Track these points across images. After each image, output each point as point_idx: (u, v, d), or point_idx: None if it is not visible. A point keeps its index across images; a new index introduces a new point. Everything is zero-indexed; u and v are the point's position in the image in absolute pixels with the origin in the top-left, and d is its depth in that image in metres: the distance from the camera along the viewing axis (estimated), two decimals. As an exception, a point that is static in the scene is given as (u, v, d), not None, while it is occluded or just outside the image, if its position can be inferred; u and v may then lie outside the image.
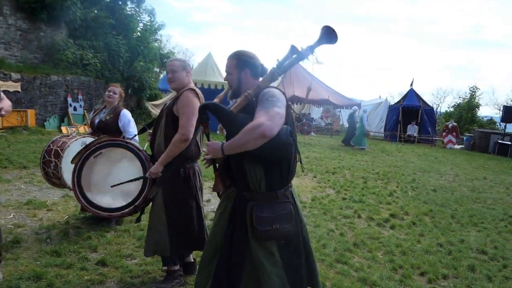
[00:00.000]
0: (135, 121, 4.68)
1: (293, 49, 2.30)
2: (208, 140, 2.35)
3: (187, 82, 3.29)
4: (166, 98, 19.44)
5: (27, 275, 3.25)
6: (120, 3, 16.44)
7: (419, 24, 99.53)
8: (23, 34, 13.29)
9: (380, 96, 27.42)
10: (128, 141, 3.34)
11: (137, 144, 3.38)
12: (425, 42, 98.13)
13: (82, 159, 3.13)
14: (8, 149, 8.97)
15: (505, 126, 20.08)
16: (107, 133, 4.38)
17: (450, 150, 19.68)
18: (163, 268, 3.51)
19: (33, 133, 11.53)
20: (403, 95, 22.55)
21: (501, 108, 34.32)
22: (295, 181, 2.49)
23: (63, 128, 13.01)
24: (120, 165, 3.23)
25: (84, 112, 14.02)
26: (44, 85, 12.80)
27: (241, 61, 2.39)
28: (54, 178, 4.15)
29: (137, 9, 17.24)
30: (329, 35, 2.28)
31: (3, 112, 2.88)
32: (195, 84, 13.49)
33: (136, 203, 3.17)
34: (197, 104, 3.10)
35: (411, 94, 21.54)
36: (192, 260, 3.60)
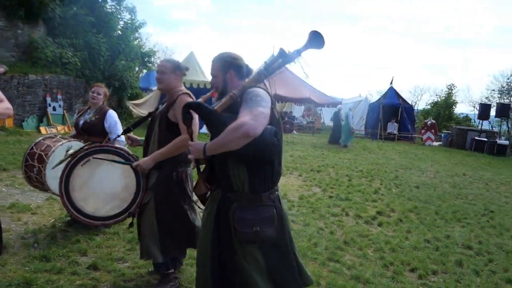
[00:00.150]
0: None
1: (282, 52, 2.30)
2: (192, 140, 2.35)
3: (176, 84, 3.24)
4: (147, 97, 19.22)
5: (17, 281, 3.16)
6: (100, 0, 16.15)
7: (395, 22, 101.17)
8: (-1, 32, 12.92)
9: (360, 94, 27.74)
10: (118, 146, 3.25)
11: (126, 149, 3.31)
12: (402, 40, 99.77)
13: (68, 167, 2.98)
14: (-14, 150, 8.71)
15: (481, 124, 20.60)
16: (93, 135, 4.29)
17: (429, 147, 20.07)
18: (150, 270, 3.50)
19: (11, 134, 11.21)
20: (382, 93, 22.90)
21: (475, 106, 35.31)
22: (281, 180, 2.49)
23: (42, 129, 12.71)
24: (110, 171, 3.13)
25: (63, 112, 13.73)
26: (22, 84, 12.47)
27: (225, 63, 2.39)
28: (36, 182, 4.02)
29: (118, 7, 16.95)
30: (316, 40, 2.28)
31: None
32: None
33: (130, 209, 3.12)
34: None
35: (391, 92, 21.87)
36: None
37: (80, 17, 14.86)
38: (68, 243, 4.04)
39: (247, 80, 2.31)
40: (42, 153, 3.80)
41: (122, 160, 3.12)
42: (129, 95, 16.64)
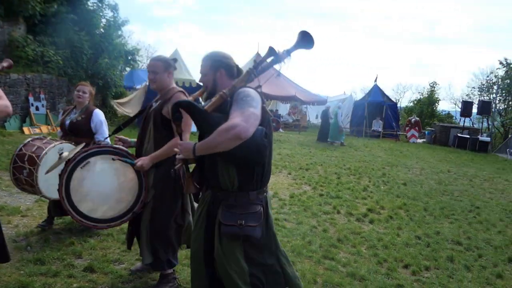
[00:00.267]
0: None
1: (271, 50, 2.30)
2: (181, 139, 2.34)
3: (169, 83, 3.26)
4: (131, 96, 18.99)
5: (12, 285, 3.10)
6: (81, -3, 15.89)
7: (377, 21, 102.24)
8: (-23, 30, 12.60)
9: (344, 92, 27.99)
10: (116, 146, 3.21)
11: (125, 149, 3.27)
12: (384, 38, 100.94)
13: (68, 171, 2.89)
14: (-32, 151, 8.50)
15: (464, 121, 20.99)
16: (80, 135, 4.22)
17: (413, 144, 20.36)
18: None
19: (-7, 135, 10.95)
20: (366, 91, 23.15)
21: (456, 103, 35.99)
22: (271, 179, 2.45)
23: (25, 129, 12.44)
24: (110, 172, 3.09)
25: (47, 112, 13.46)
26: (3, 83, 12.16)
27: (215, 62, 2.38)
28: (26, 185, 3.88)
29: (100, 4, 16.69)
30: (306, 40, 2.29)
31: None
32: None
33: (135, 209, 3.09)
34: None
35: (375, 90, 22.10)
36: None
37: (61, 14, 14.58)
38: (62, 245, 3.98)
39: (237, 79, 2.31)
40: (33, 155, 3.69)
41: (127, 159, 3.08)
42: (113, 94, 16.44)
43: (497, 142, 24.88)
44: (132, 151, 3.34)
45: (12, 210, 4.89)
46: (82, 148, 3.09)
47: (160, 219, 3.14)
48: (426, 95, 30.63)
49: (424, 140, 21.50)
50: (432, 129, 21.90)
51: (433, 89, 29.60)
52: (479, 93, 31.89)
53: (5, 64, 2.92)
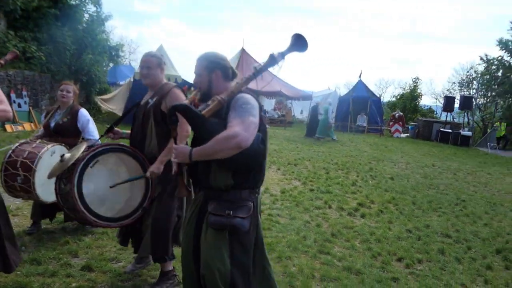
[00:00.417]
0: None
1: (272, 58, 2.29)
2: (175, 143, 2.30)
3: (161, 79, 3.29)
4: (115, 92, 18.75)
5: (10, 286, 3.06)
6: (64, -8, 15.57)
7: (360, 17, 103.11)
8: (-44, 25, 12.25)
9: (329, 87, 28.15)
10: (123, 144, 3.17)
11: (130, 147, 3.23)
12: (367, 34, 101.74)
13: (78, 171, 2.82)
14: (-50, 150, 8.28)
15: (446, 116, 21.37)
16: (66, 136, 4.15)
17: (397, 138, 20.66)
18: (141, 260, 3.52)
19: (-26, 133, 10.71)
20: (350, 86, 23.37)
21: (438, 98, 36.59)
22: None
23: (8, 126, 12.16)
24: (120, 169, 3.07)
25: (29, 109, 13.19)
26: (-17, 80, 11.90)
27: (211, 63, 2.35)
28: (21, 191, 3.75)
29: (82, -1, 16.40)
30: (299, 44, 2.30)
31: None
32: None
33: (144, 205, 3.07)
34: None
35: (360, 85, 22.30)
36: None
37: (43, 9, 14.24)
38: (57, 245, 3.93)
39: (235, 84, 2.28)
40: (27, 161, 3.57)
41: (137, 176, 3.06)
42: (97, 90, 16.19)
43: (477, 136, 25.42)
44: (125, 142, 3.35)
45: (2, 209, 4.79)
46: (87, 147, 3.04)
47: (165, 213, 3.15)
48: (409, 90, 31.07)
49: (408, 134, 21.83)
50: (415, 124, 22.26)
51: (415, 84, 30.06)
52: (459, 88, 32.52)
53: (9, 56, 2.85)
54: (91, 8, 16.82)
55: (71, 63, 14.78)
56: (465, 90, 31.89)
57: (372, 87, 26.98)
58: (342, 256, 4.27)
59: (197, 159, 2.11)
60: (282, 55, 2.31)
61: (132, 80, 16.90)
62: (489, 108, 30.49)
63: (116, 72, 26.17)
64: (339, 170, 9.55)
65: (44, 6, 14.32)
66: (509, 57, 26.02)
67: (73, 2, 16.05)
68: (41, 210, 4.22)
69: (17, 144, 3.89)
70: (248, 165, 2.19)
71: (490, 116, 28.99)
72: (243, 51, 22.23)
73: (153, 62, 3.20)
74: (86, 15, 16.71)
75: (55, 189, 2.92)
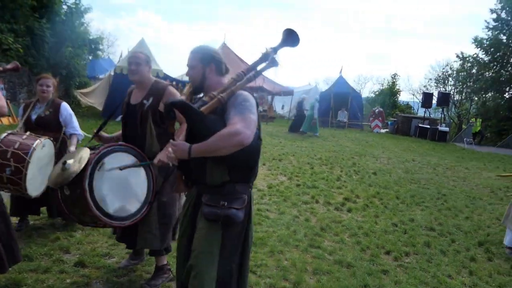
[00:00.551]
0: None
1: (265, 56, 2.31)
2: (173, 139, 2.27)
3: (149, 75, 3.30)
4: (95, 86, 18.43)
5: (4, 283, 3.01)
6: (40, -18, 15.16)
7: (335, 13, 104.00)
8: None
9: (309, 83, 28.30)
10: (125, 143, 3.12)
11: (132, 146, 3.19)
12: (343, 31, 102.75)
13: (88, 177, 2.72)
14: None
15: (425, 111, 21.82)
16: (48, 129, 4.09)
17: (377, 134, 20.99)
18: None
19: (-50, 126, 10.38)
20: (329, 81, 23.63)
21: (415, 94, 37.27)
22: None
23: (-16, 120, 11.85)
24: (131, 172, 3.01)
25: (7, 102, 12.85)
26: (-41, 72, 11.49)
27: (206, 56, 2.33)
28: (7, 183, 3.69)
29: (60, -10, 16.01)
30: (291, 39, 2.33)
31: None
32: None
33: (149, 200, 3.06)
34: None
35: (341, 81, 22.55)
36: None
37: (19, 0, 13.87)
38: (48, 241, 3.88)
39: (231, 81, 2.26)
40: (20, 152, 3.51)
41: (146, 162, 3.03)
42: (77, 84, 15.88)
43: (452, 132, 26.07)
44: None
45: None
46: (90, 150, 2.95)
47: (168, 206, 3.19)
48: (387, 86, 31.56)
49: (387, 130, 22.20)
50: (395, 119, 22.65)
51: (394, 80, 30.57)
52: (435, 84, 33.18)
53: (9, 66, 2.80)
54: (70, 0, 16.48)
55: (49, 56, 14.45)
56: (441, 86, 32.58)
57: (351, 83, 27.29)
58: (333, 250, 4.35)
59: (197, 155, 2.09)
60: (275, 50, 2.32)
61: (112, 74, 16.68)
62: (464, 104, 31.26)
63: (95, 65, 25.72)
64: (323, 165, 9.66)
65: (21, -4, 13.94)
66: (484, 55, 26.77)
67: (51, -7, 15.69)
68: (25, 206, 4.15)
69: (5, 135, 3.79)
70: (247, 162, 2.22)
71: (465, 112, 29.74)
72: (224, 46, 22.11)
73: (142, 58, 3.20)
74: (65, 7, 16.35)
75: (58, 196, 2.84)
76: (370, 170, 9.59)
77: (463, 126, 26.43)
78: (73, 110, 4.40)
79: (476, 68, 27.77)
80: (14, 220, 4.12)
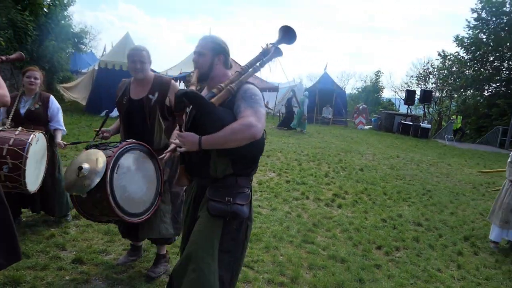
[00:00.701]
0: None
1: (265, 51, 2.37)
2: (180, 130, 2.22)
3: (150, 72, 3.31)
4: (78, 81, 18.15)
5: (2, 280, 3.00)
6: (22, -26, 14.84)
7: (318, 9, 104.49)
8: None
9: (294, 79, 28.39)
10: (135, 141, 3.09)
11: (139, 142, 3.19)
12: (328, 27, 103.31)
13: (109, 182, 2.69)
14: None
15: (408, 108, 22.16)
16: (38, 123, 4.04)
17: (361, 130, 21.26)
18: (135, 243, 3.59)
19: None
20: (312, 77, 23.79)
21: (396, 91, 37.83)
22: None
23: (-35, 114, 11.57)
24: (137, 165, 3.02)
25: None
26: None
27: (217, 45, 2.33)
28: (6, 181, 3.61)
29: (43, -18, 15.68)
30: (287, 36, 2.37)
31: None
32: (114, 66, 12.96)
33: (159, 191, 3.08)
34: None
35: (326, 77, 22.72)
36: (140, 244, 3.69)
37: (1, -9, 13.57)
38: (42, 238, 3.86)
39: (236, 73, 2.29)
40: (15, 148, 3.46)
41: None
42: (60, 78, 15.62)
43: (432, 128, 26.59)
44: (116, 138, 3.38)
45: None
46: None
47: (177, 195, 3.28)
48: (370, 83, 31.94)
49: (371, 126, 22.51)
50: (378, 116, 22.96)
51: (378, 77, 30.96)
52: (416, 81, 33.73)
53: (13, 56, 2.75)
54: (52, -8, 16.16)
55: (32, 50, 14.18)
56: (422, 83, 33.15)
57: (334, 80, 27.50)
58: (326, 245, 4.44)
59: (207, 147, 2.08)
60: (273, 46, 2.37)
61: (96, 68, 16.44)
62: (444, 101, 31.87)
63: (77, 59, 25.26)
64: (311, 162, 9.77)
65: (2, -12, 13.63)
66: (465, 54, 27.36)
67: (33, -15, 15.36)
68: (17, 204, 4.10)
69: None
70: (253, 155, 2.25)
71: (446, 109, 30.33)
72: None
73: (145, 56, 3.19)
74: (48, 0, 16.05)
75: (74, 199, 2.81)
76: (356, 166, 9.74)
77: (443, 123, 26.99)
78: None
79: (457, 66, 28.36)
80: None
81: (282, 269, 3.72)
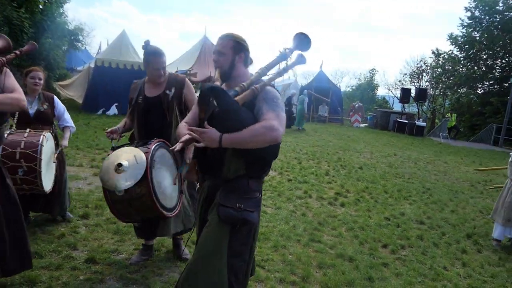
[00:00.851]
0: None
1: (283, 55, 2.36)
2: (201, 125, 2.16)
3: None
4: (74, 78, 18.05)
5: (18, 280, 3.01)
6: (17, -29, 14.68)
7: (309, 7, 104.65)
8: None
9: (289, 77, 28.43)
10: (161, 139, 3.11)
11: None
12: (319, 25, 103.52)
13: (150, 177, 2.74)
14: None
15: (403, 106, 22.30)
16: (46, 123, 4.07)
17: (357, 128, 21.37)
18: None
19: None
20: (307, 75, 23.84)
21: (390, 89, 38.06)
22: None
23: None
24: (166, 163, 3.06)
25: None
26: None
27: (238, 44, 2.30)
28: (22, 184, 3.58)
29: (38, -21, 15.54)
30: (302, 44, 2.37)
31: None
32: (110, 64, 12.98)
33: (182, 188, 3.18)
34: None
35: (321, 75, 22.77)
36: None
37: (-4, -12, 13.43)
38: (53, 237, 3.87)
39: (256, 74, 2.28)
40: (28, 151, 3.47)
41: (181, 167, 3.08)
42: (56, 76, 15.52)
43: (426, 126, 26.81)
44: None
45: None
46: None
47: (193, 185, 3.39)
48: (365, 81, 32.07)
49: (366, 124, 22.62)
50: (374, 114, 23.08)
51: (372, 75, 31.11)
52: (410, 79, 33.92)
53: (26, 48, 2.74)
54: (48, -11, 16.01)
55: (28, 47, 14.03)
56: (415, 81, 33.36)
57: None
58: (333, 244, 4.48)
59: (227, 146, 2.06)
60: (291, 51, 2.37)
61: (91, 66, 16.35)
62: (437, 99, 32.11)
63: (71, 57, 25.07)
64: (310, 160, 9.82)
65: (-3, -15, 13.49)
66: (459, 52, 27.58)
67: (28, -18, 15.21)
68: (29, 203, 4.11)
69: (5, 136, 3.71)
70: (269, 158, 2.26)
71: (440, 107, 30.58)
72: (205, 38, 21.93)
73: (165, 62, 3.35)
74: (43, -3, 15.91)
75: (107, 200, 2.82)
76: (355, 164, 9.80)
77: (436, 121, 27.22)
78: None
79: (450, 64, 28.58)
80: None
81: (292, 268, 3.76)
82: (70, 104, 15.56)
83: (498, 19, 25.09)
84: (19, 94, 2.57)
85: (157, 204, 2.75)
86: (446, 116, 23.62)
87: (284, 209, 5.57)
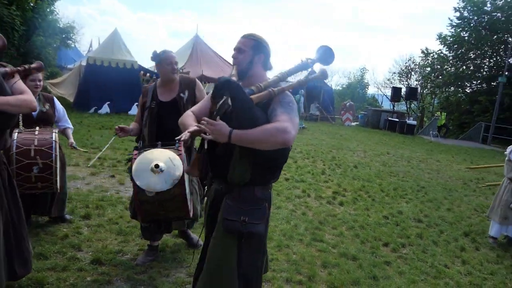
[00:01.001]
0: None
1: (305, 64, 2.39)
2: (214, 119, 2.09)
3: None
4: (65, 76, 17.85)
5: (26, 283, 2.98)
6: (7, -32, 14.50)
7: (302, 5, 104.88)
8: None
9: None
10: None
11: None
12: (311, 23, 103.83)
13: (185, 180, 2.80)
14: None
15: (393, 105, 22.51)
16: (48, 123, 4.06)
17: (349, 127, 21.51)
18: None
19: None
20: (300, 74, 23.80)
21: (379, 87, 38.37)
22: None
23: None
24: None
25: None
26: None
27: (260, 44, 2.28)
28: (37, 182, 3.52)
29: (29, -24, 15.37)
30: (325, 57, 2.39)
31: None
32: (102, 63, 12.98)
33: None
34: None
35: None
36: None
37: (-15, -15, 13.26)
38: (57, 238, 3.84)
39: (275, 78, 2.27)
40: (43, 148, 3.45)
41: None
42: (48, 74, 15.35)
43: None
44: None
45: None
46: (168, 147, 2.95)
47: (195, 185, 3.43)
48: (355, 80, 32.27)
49: (358, 123, 22.78)
50: (365, 112, 23.26)
51: (363, 74, 31.31)
52: (398, 78, 34.23)
53: (34, 65, 2.76)
54: (39, -14, 15.84)
55: (19, 45, 13.90)
56: (404, 80, 33.68)
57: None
58: (335, 243, 4.52)
59: (236, 142, 2.02)
60: (313, 62, 2.39)
61: (83, 64, 16.18)
62: (426, 98, 32.47)
63: (61, 55, 24.81)
64: (306, 159, 9.86)
65: (-13, -18, 13.31)
66: (447, 51, 27.91)
67: (19, -21, 15.03)
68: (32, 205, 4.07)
69: (15, 134, 3.66)
70: (277, 163, 2.23)
71: (428, 105, 30.92)
72: (197, 37, 21.84)
73: (176, 58, 3.40)
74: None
75: (136, 201, 2.80)
76: (350, 163, 9.88)
77: (425, 119, 27.53)
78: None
79: (437, 63, 28.92)
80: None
81: (297, 267, 3.79)
82: (61, 103, 15.15)
83: (486, 20, 25.46)
84: (28, 95, 2.57)
85: (189, 204, 2.82)
86: (435, 114, 23.88)
87: (284, 208, 5.59)
